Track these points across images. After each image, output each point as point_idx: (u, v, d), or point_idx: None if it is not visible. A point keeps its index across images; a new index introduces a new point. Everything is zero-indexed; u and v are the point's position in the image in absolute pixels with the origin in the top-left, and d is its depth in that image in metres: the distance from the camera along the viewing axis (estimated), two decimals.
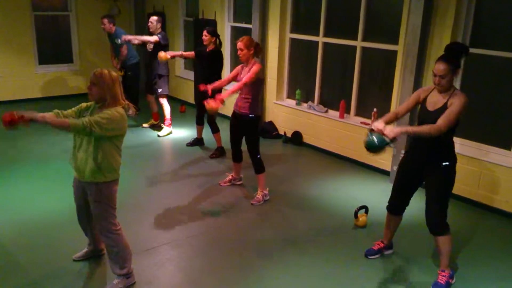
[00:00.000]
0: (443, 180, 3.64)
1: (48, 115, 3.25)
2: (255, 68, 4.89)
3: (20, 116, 3.07)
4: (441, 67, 3.46)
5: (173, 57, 6.65)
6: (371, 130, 3.48)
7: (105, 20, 7.98)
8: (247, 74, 4.90)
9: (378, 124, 3.46)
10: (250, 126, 5.09)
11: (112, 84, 3.32)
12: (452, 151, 3.65)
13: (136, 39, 7.35)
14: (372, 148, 3.45)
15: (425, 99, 3.66)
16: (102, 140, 3.31)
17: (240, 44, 4.94)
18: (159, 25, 7.20)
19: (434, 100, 3.58)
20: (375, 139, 3.40)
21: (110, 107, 3.31)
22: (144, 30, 9.31)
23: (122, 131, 3.39)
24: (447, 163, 3.60)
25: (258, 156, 5.14)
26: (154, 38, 7.10)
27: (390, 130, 3.38)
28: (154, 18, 7.17)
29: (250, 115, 5.02)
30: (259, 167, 5.17)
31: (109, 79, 3.31)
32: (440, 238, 3.68)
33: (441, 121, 3.41)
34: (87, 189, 3.43)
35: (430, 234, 3.72)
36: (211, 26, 7.32)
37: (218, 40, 6.39)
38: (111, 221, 3.48)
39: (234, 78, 5.15)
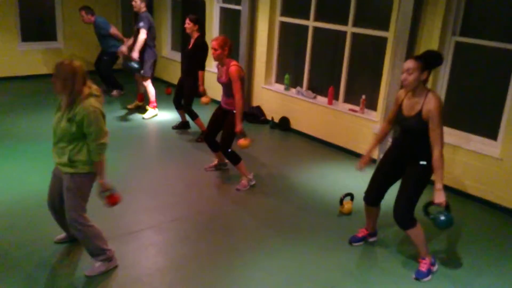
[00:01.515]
0: (418, 179, 3.65)
1: (100, 177, 3.42)
2: (236, 73, 4.81)
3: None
4: (409, 64, 3.46)
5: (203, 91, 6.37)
6: (430, 205, 3.64)
7: (83, 12, 7.87)
8: (234, 87, 4.82)
9: (441, 198, 3.49)
10: (233, 121, 5.02)
11: (73, 75, 3.19)
12: (430, 152, 3.62)
13: (135, 52, 6.98)
14: (446, 226, 3.60)
15: (402, 102, 3.66)
16: (76, 135, 3.27)
17: (214, 44, 4.85)
18: (143, 5, 7.04)
19: (410, 104, 3.57)
20: (444, 218, 3.55)
21: (73, 99, 3.22)
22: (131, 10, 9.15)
23: (103, 122, 3.35)
24: (424, 162, 3.61)
25: (229, 150, 5.08)
26: (143, 36, 6.92)
27: (442, 197, 3.48)
28: None
29: (234, 111, 4.97)
30: (233, 159, 5.13)
31: (69, 71, 3.19)
32: (410, 231, 3.72)
33: (436, 142, 3.44)
34: (63, 177, 3.39)
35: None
36: (203, 8, 7.20)
37: (200, 27, 6.31)
38: (80, 213, 3.42)
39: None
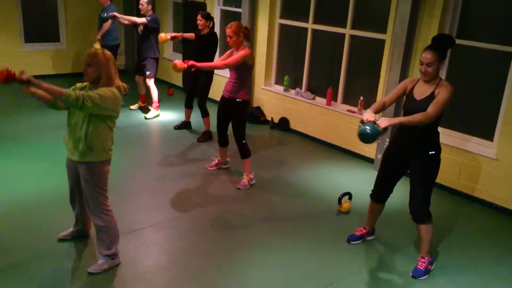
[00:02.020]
0: (428, 169, 3.70)
1: (45, 84, 3.18)
2: (243, 52, 4.88)
3: (19, 73, 3.08)
4: (428, 55, 3.51)
5: (173, 37, 6.49)
6: (363, 121, 3.53)
7: None
8: (235, 56, 4.90)
9: (369, 115, 3.51)
10: (237, 111, 5.10)
11: (106, 64, 3.31)
12: (437, 140, 3.70)
13: (124, 18, 7.27)
14: (366, 137, 3.48)
15: (412, 90, 3.70)
16: (95, 120, 3.31)
17: (229, 31, 4.91)
18: (149, 7, 7.13)
19: (421, 90, 3.63)
20: (368, 129, 3.44)
21: (105, 87, 3.30)
22: (133, 12, 9.24)
23: (115, 112, 3.39)
24: (432, 152, 3.66)
25: (244, 142, 5.16)
26: (142, 20, 7.05)
27: (383, 120, 3.44)
28: (144, 0, 7.09)
29: (238, 100, 5.03)
30: (244, 152, 5.20)
31: (103, 59, 3.30)
32: (422, 226, 3.76)
33: (431, 109, 3.48)
34: (79, 169, 3.45)
35: (413, 221, 3.81)
36: (204, 10, 7.28)
37: (212, 23, 6.38)
38: (102, 201, 3.50)
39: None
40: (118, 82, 3.40)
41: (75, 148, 3.39)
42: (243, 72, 4.98)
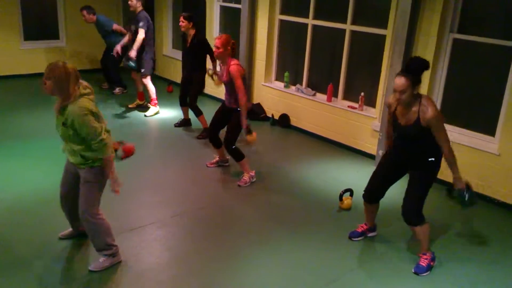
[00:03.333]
0: (427, 175, 3.71)
1: (112, 174, 3.46)
2: (237, 73, 4.85)
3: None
4: (400, 82, 3.41)
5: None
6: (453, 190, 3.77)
7: (84, 12, 7.94)
8: (237, 86, 4.88)
9: (460, 184, 3.69)
10: (236, 118, 5.08)
11: (65, 78, 3.19)
12: (436, 147, 3.67)
13: (136, 48, 7.01)
14: (471, 204, 3.76)
15: (395, 111, 3.65)
16: (79, 136, 3.29)
17: (217, 42, 4.90)
18: (139, 4, 7.05)
19: (405, 112, 3.56)
20: (467, 196, 3.74)
21: (64, 102, 3.24)
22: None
23: (96, 118, 3.33)
24: (432, 159, 3.66)
25: (233, 147, 5.14)
26: (142, 35, 6.97)
27: (459, 183, 3.68)
28: None
29: (238, 109, 5.03)
30: (236, 156, 5.20)
31: (62, 73, 3.19)
32: (416, 228, 3.76)
33: (441, 141, 3.53)
34: (80, 172, 3.44)
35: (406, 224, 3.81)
36: (203, 6, 7.26)
37: (194, 25, 6.38)
38: (94, 205, 3.48)
39: None
40: (78, 89, 3.26)
41: (73, 159, 3.41)
42: (234, 87, 4.97)
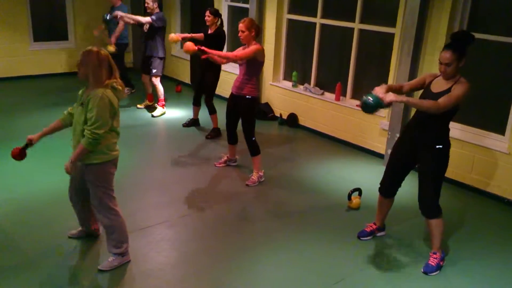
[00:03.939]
0: (437, 163, 3.68)
1: (73, 156, 3.33)
2: (254, 47, 4.88)
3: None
4: (447, 55, 3.50)
5: (183, 38, 6.48)
6: (370, 92, 3.52)
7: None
8: (246, 50, 4.90)
9: (379, 89, 3.50)
10: (247, 108, 5.08)
11: (97, 64, 3.25)
12: (447, 135, 3.69)
13: (129, 17, 7.25)
14: (367, 107, 3.48)
15: (430, 83, 3.70)
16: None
17: (241, 26, 4.92)
18: (155, 5, 7.12)
19: (439, 85, 3.63)
20: (371, 100, 3.44)
21: (93, 88, 3.27)
22: (140, 10, 9.25)
23: (115, 115, 3.37)
24: (440, 146, 3.64)
25: (253, 139, 5.15)
26: (147, 19, 7.04)
27: (389, 95, 3.42)
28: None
29: (247, 96, 5.02)
30: (254, 149, 5.19)
31: (95, 59, 3.25)
32: (432, 221, 3.74)
33: (442, 100, 3.47)
34: (84, 169, 3.45)
35: (423, 216, 3.78)
36: (212, 6, 7.26)
37: (220, 20, 6.37)
38: (107, 201, 3.49)
39: None
40: (111, 81, 3.32)
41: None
42: (253, 68, 4.96)
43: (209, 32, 6.37)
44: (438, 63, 3.57)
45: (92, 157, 3.36)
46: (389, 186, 4.02)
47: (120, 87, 3.39)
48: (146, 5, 7.13)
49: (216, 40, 6.28)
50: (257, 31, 4.98)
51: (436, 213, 3.72)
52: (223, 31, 6.41)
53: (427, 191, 3.71)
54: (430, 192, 3.69)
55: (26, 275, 3.50)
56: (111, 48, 7.58)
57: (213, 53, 4.97)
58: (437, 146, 3.64)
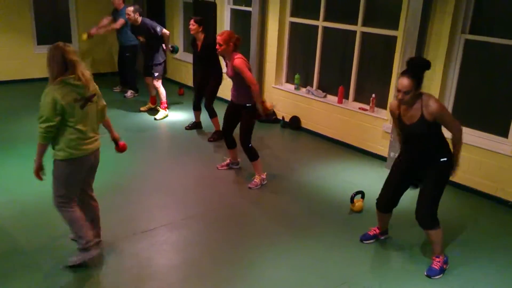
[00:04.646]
0: (441, 177, 3.68)
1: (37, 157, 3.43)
2: (239, 64, 4.85)
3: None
4: (405, 82, 3.42)
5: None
6: None
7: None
8: (245, 77, 4.88)
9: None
10: (247, 115, 5.10)
11: (49, 59, 3.24)
12: (446, 145, 3.67)
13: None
14: None
15: (399, 115, 3.65)
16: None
17: (219, 39, 4.92)
18: (137, 15, 7.07)
19: (409, 114, 3.56)
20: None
21: (49, 85, 3.27)
22: (144, 14, 9.26)
23: (59, 112, 3.26)
24: (445, 158, 3.63)
25: (250, 146, 5.16)
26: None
27: (454, 172, 3.66)
28: (130, 9, 7.04)
29: (247, 104, 5.04)
30: (251, 155, 5.21)
31: (48, 55, 3.24)
32: (430, 232, 3.73)
33: (452, 128, 3.55)
34: None
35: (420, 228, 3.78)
36: (214, 9, 7.30)
37: (204, 29, 6.42)
38: (60, 196, 3.49)
39: None
40: (66, 77, 3.23)
41: None
42: (241, 79, 4.97)
43: (197, 42, 6.45)
44: (396, 90, 3.50)
45: (55, 153, 3.42)
46: (387, 203, 4.01)
47: (79, 82, 3.28)
48: (127, 16, 7.10)
49: (211, 50, 6.33)
50: (236, 43, 4.97)
51: (433, 225, 3.70)
52: (214, 42, 6.44)
53: (426, 204, 3.69)
54: (429, 204, 3.69)
55: (28, 277, 3.51)
56: (84, 36, 8.18)
57: (258, 98, 4.99)
58: (442, 159, 3.63)
